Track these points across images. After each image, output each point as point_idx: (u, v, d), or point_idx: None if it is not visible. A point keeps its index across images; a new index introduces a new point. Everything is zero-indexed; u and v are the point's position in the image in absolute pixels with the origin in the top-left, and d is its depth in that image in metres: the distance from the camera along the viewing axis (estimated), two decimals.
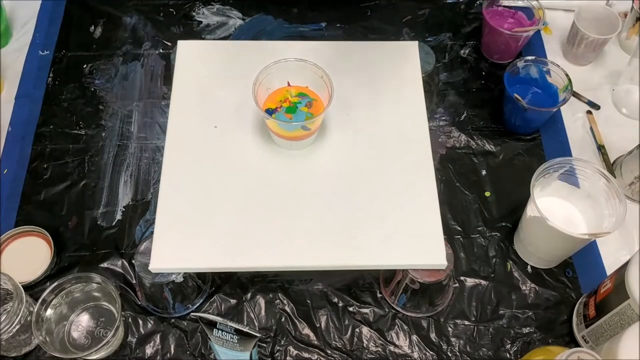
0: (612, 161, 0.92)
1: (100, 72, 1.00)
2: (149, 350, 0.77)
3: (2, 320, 0.69)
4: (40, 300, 0.72)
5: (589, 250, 0.83)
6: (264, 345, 0.77)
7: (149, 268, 0.70)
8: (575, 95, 0.98)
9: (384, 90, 0.84)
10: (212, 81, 0.84)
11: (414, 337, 0.78)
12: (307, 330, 0.78)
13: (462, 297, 0.81)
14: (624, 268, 0.67)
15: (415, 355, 0.77)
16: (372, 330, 0.78)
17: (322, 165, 0.78)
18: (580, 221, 0.80)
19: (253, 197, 0.75)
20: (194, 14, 1.07)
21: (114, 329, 0.72)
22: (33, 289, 0.80)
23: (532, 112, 0.89)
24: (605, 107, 0.98)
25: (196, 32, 1.05)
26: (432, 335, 0.78)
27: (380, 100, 0.83)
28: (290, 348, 0.77)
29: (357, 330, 0.78)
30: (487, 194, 0.89)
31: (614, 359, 0.61)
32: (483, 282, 0.82)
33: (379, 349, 0.77)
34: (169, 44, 1.03)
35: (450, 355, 0.77)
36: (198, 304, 0.79)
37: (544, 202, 0.79)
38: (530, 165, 0.90)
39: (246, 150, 0.79)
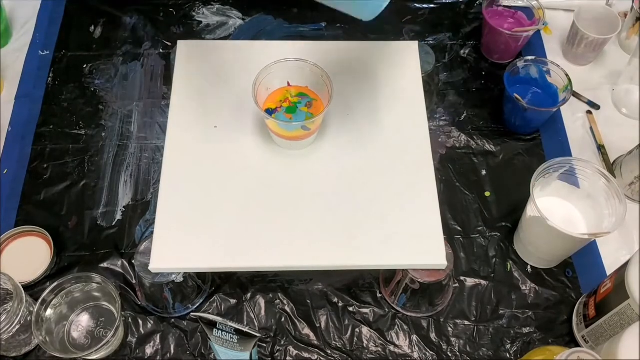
0: (612, 161, 0.92)
1: (100, 72, 1.00)
2: (149, 350, 0.77)
3: (2, 320, 0.69)
4: (40, 300, 0.72)
5: (589, 250, 0.83)
6: (264, 345, 0.77)
7: (149, 268, 0.70)
8: (575, 95, 0.98)
9: (384, 90, 0.84)
10: (212, 81, 0.84)
11: (414, 337, 0.78)
12: (307, 330, 0.78)
13: (462, 297, 0.81)
14: (624, 268, 0.67)
15: (415, 355, 0.77)
16: (372, 330, 0.78)
17: (322, 165, 0.78)
18: (580, 221, 0.80)
19: (253, 197, 0.75)
20: (194, 14, 1.07)
21: (114, 329, 0.72)
22: (33, 289, 0.80)
23: (532, 112, 0.89)
24: (605, 107, 0.98)
25: (196, 32, 1.05)
26: (432, 335, 0.78)
27: (380, 100, 0.83)
28: (290, 348, 0.77)
29: (357, 330, 0.78)
30: (487, 194, 0.89)
31: (614, 359, 0.61)
32: (483, 282, 0.82)
33: (379, 349, 0.77)
34: (169, 44, 1.03)
35: (450, 355, 0.77)
36: (198, 304, 0.79)
37: (544, 202, 0.79)
38: (530, 165, 0.90)
39: (246, 150, 0.79)
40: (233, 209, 0.74)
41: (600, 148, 0.93)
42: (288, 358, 0.76)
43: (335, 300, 0.80)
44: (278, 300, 0.80)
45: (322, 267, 0.73)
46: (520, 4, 1.00)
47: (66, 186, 0.88)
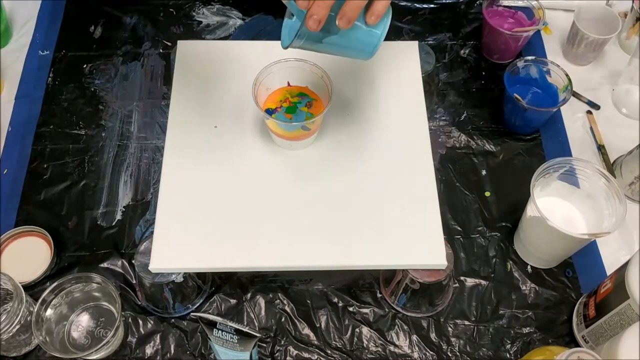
0: (612, 161, 0.92)
1: (100, 72, 1.00)
2: (149, 350, 0.77)
3: (2, 320, 0.69)
4: (40, 300, 0.72)
5: (589, 250, 0.83)
6: (264, 345, 0.77)
7: (149, 268, 0.70)
8: (575, 95, 0.98)
9: (384, 90, 0.84)
10: (212, 81, 0.84)
11: (414, 337, 0.78)
12: (307, 330, 0.78)
13: (462, 297, 0.81)
14: (624, 268, 0.67)
15: (415, 355, 0.77)
16: (372, 330, 0.78)
17: (322, 166, 0.78)
18: (580, 221, 0.80)
19: (253, 197, 0.75)
20: (194, 14, 1.07)
21: (114, 329, 0.72)
22: (33, 289, 0.80)
23: (532, 112, 0.89)
24: (605, 107, 0.98)
25: (196, 32, 1.05)
26: (432, 335, 0.78)
27: (380, 100, 0.83)
28: (290, 348, 0.77)
29: (357, 330, 0.78)
30: (487, 194, 0.89)
31: (614, 359, 0.61)
32: (483, 282, 0.82)
33: (379, 349, 0.77)
34: (169, 44, 1.03)
35: (450, 355, 0.77)
36: (198, 304, 0.79)
37: (544, 202, 0.79)
38: (530, 165, 0.90)
39: (246, 150, 0.79)
40: (233, 208, 0.74)
41: (600, 148, 0.93)
42: (288, 358, 0.76)
43: (335, 300, 0.80)
44: (278, 300, 0.80)
45: (322, 267, 0.73)
46: (520, 4, 1.00)
47: (66, 186, 0.88)
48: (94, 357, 0.74)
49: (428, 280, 0.73)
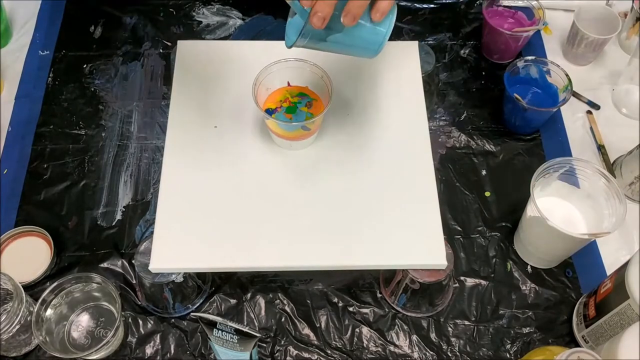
0: (612, 161, 0.92)
1: (100, 72, 1.00)
2: (149, 350, 0.77)
3: (2, 320, 0.69)
4: (40, 300, 0.72)
5: (589, 250, 0.83)
6: (264, 345, 0.77)
7: (149, 268, 0.70)
8: (575, 95, 0.98)
9: (384, 90, 0.84)
10: (212, 81, 0.84)
11: (414, 337, 0.78)
12: (307, 330, 0.78)
13: (462, 297, 0.81)
14: (624, 268, 0.67)
15: (415, 355, 0.77)
16: (372, 330, 0.78)
17: (322, 166, 0.78)
18: (580, 221, 0.80)
19: (253, 197, 0.75)
20: (194, 14, 1.07)
21: (114, 329, 0.72)
22: (33, 289, 0.80)
23: (532, 112, 0.89)
24: (605, 107, 0.98)
25: (196, 32, 1.05)
26: (432, 335, 0.78)
27: (380, 100, 0.83)
28: (290, 348, 0.77)
29: (357, 330, 0.78)
30: (487, 194, 0.89)
31: (614, 359, 0.61)
32: (483, 282, 0.82)
33: (379, 349, 0.77)
34: (169, 44, 1.03)
35: (450, 355, 0.77)
36: (198, 304, 0.79)
37: (544, 202, 0.79)
38: (530, 165, 0.90)
39: (246, 150, 0.79)
40: (233, 208, 0.74)
41: (600, 148, 0.93)
42: (288, 358, 0.76)
43: (335, 300, 0.80)
44: (278, 300, 0.80)
45: (322, 267, 0.73)
46: (520, 4, 1.00)
47: (66, 186, 0.88)
48: (94, 357, 0.74)
49: (428, 280, 0.73)
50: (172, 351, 0.76)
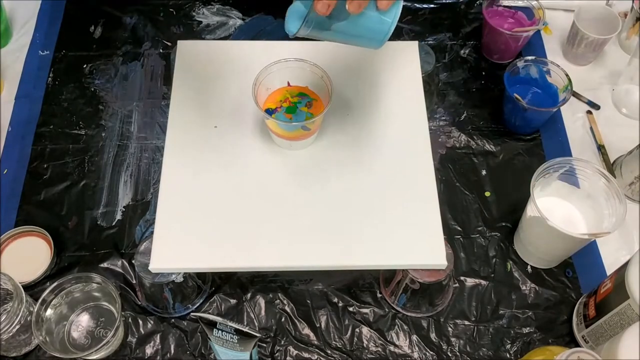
0: (612, 161, 0.92)
1: (100, 72, 1.00)
2: (149, 350, 0.77)
3: (2, 320, 0.69)
4: (40, 300, 0.72)
5: (589, 250, 0.83)
6: (264, 345, 0.77)
7: (149, 268, 0.71)
8: (575, 95, 0.98)
9: (384, 90, 0.84)
10: (212, 81, 0.84)
11: (414, 337, 0.78)
12: (307, 330, 0.78)
13: (462, 297, 0.81)
14: (624, 268, 0.67)
15: (415, 355, 0.77)
16: (372, 330, 0.78)
17: (322, 166, 0.78)
18: (580, 221, 0.80)
19: (253, 197, 0.75)
20: (194, 14, 1.07)
21: (114, 329, 0.72)
22: (33, 289, 0.80)
23: (532, 112, 0.89)
24: (605, 107, 0.98)
25: (196, 32, 1.05)
26: (432, 335, 0.78)
27: (380, 100, 0.83)
28: (290, 348, 0.77)
29: (357, 330, 0.78)
30: (487, 194, 0.89)
31: (614, 359, 0.61)
32: (483, 282, 0.82)
33: (379, 349, 0.77)
34: (169, 44, 1.03)
35: (450, 355, 0.77)
36: (198, 304, 0.79)
37: (544, 202, 0.79)
38: (530, 165, 0.90)
39: (246, 150, 0.79)
40: (233, 208, 0.74)
41: (600, 148, 0.93)
42: (288, 358, 0.76)
43: (335, 300, 0.80)
44: (278, 300, 0.80)
45: (322, 267, 0.73)
46: (520, 4, 1.00)
47: (66, 186, 0.88)
48: (94, 357, 0.74)
49: (428, 280, 0.73)
50: (172, 351, 0.76)
